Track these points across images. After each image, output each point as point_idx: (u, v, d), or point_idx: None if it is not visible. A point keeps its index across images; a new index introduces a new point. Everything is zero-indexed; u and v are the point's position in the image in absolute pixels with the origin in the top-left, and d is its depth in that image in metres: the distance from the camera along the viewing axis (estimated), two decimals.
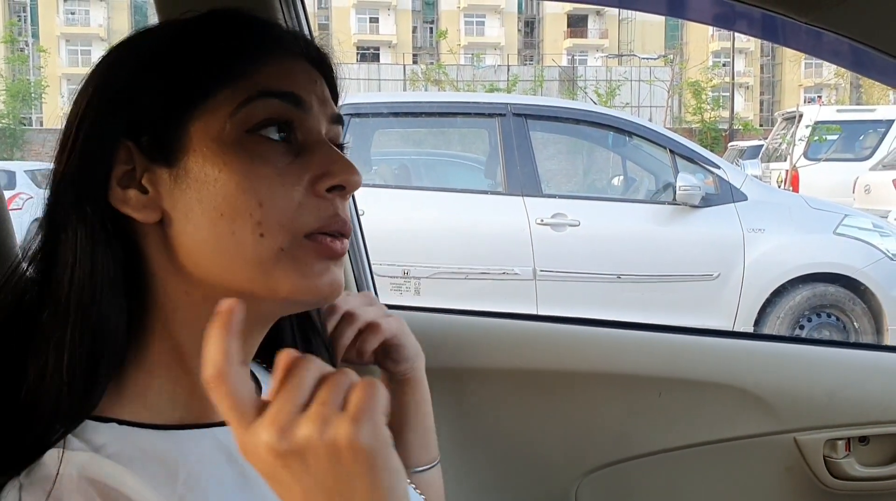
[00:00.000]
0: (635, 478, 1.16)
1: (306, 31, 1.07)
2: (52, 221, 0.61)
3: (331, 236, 0.63)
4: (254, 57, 0.64)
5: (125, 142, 0.61)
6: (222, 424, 0.62)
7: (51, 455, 0.55)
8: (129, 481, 0.56)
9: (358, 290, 1.14)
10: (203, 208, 0.60)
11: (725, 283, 4.45)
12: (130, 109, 0.61)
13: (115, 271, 0.60)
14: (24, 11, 32.80)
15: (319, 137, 0.65)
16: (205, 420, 0.63)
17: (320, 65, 0.69)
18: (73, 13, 34.72)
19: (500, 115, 4.66)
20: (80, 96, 0.63)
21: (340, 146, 0.68)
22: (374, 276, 1.26)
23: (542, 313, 3.79)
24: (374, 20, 36.94)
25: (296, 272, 0.61)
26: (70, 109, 0.64)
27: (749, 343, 1.23)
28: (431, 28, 37.63)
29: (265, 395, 0.52)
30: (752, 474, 1.14)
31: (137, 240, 0.62)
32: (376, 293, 1.20)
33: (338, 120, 0.68)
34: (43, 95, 19.12)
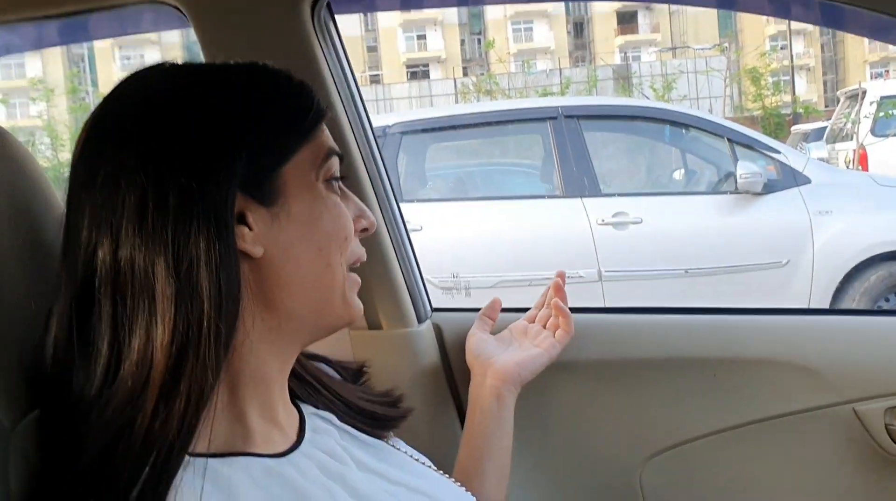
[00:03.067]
0: (696, 459, 1.17)
1: (341, 55, 1.13)
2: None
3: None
4: (316, 119, 0.76)
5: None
6: (272, 455, 0.68)
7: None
8: None
9: (410, 298, 1.19)
10: (305, 245, 0.71)
11: (795, 269, 4.35)
12: (239, 161, 0.68)
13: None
14: (83, 61, 34.15)
15: (344, 186, 0.78)
16: (248, 450, 0.67)
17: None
18: (128, 58, 35.97)
19: (552, 118, 4.66)
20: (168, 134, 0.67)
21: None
22: (427, 285, 1.30)
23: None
24: (422, 37, 37.24)
25: (345, 302, 0.75)
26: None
27: (801, 318, 1.23)
28: (479, 39, 37.73)
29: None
30: (812, 447, 1.14)
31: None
32: (429, 300, 1.24)
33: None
34: None
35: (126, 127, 0.68)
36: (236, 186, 0.66)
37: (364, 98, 1.19)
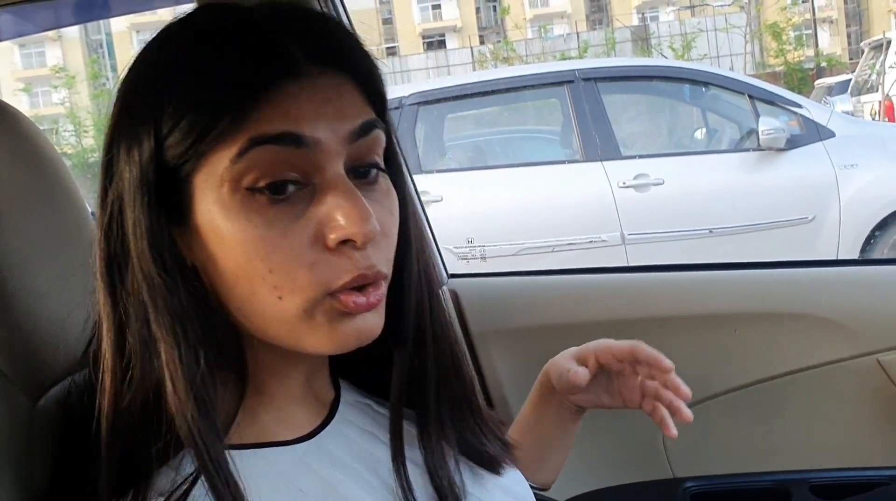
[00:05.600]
0: (720, 416, 1.17)
1: (345, 19, 1.11)
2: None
3: (357, 290, 0.58)
4: (247, 94, 0.56)
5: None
6: (299, 439, 0.63)
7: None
8: None
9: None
10: (221, 268, 0.58)
11: (822, 224, 4.29)
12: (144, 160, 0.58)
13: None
14: (101, 47, 34.29)
15: (333, 174, 0.58)
16: (281, 438, 0.63)
17: (344, 63, 0.61)
18: (146, 42, 36.05)
19: (569, 82, 4.60)
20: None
21: (369, 164, 0.61)
22: (445, 253, 1.30)
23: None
24: (437, 7, 36.88)
25: (320, 331, 0.59)
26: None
27: (821, 270, 1.22)
28: (494, 6, 37.32)
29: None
30: (837, 399, 1.14)
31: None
32: (445, 268, 1.24)
33: (369, 128, 0.60)
34: None
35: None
36: (152, 194, 0.57)
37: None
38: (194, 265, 0.59)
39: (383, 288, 0.61)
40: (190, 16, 0.62)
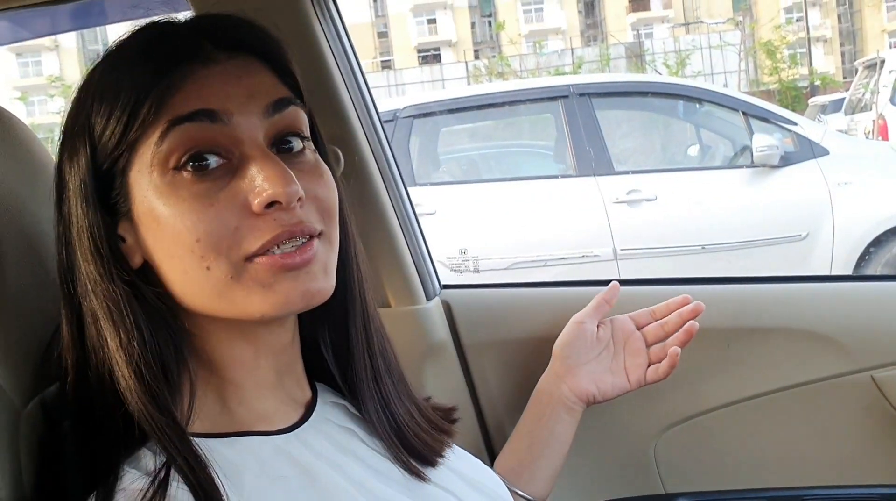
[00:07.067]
0: (711, 431, 1.16)
1: (342, 32, 1.11)
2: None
3: (283, 246, 0.61)
4: (162, 81, 0.61)
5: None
6: (279, 431, 0.65)
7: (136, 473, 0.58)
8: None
9: (418, 275, 1.18)
10: (160, 252, 0.62)
11: (816, 241, 4.30)
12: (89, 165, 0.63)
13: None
14: (98, 57, 34.35)
15: (252, 145, 0.62)
16: (260, 428, 0.65)
17: (253, 48, 0.66)
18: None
19: (564, 97, 4.62)
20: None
21: (290, 135, 0.65)
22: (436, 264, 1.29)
23: None
24: (432, 21, 37.07)
25: (256, 294, 0.61)
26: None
27: (816, 286, 1.21)
28: (490, 21, 37.52)
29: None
30: (830, 416, 1.13)
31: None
32: (438, 279, 1.23)
33: (284, 104, 0.65)
34: None
35: None
36: (94, 198, 0.62)
37: (374, 84, 1.17)
38: (144, 258, 0.63)
39: (316, 245, 0.63)
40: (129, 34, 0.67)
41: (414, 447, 0.73)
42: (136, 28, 0.66)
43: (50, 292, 0.68)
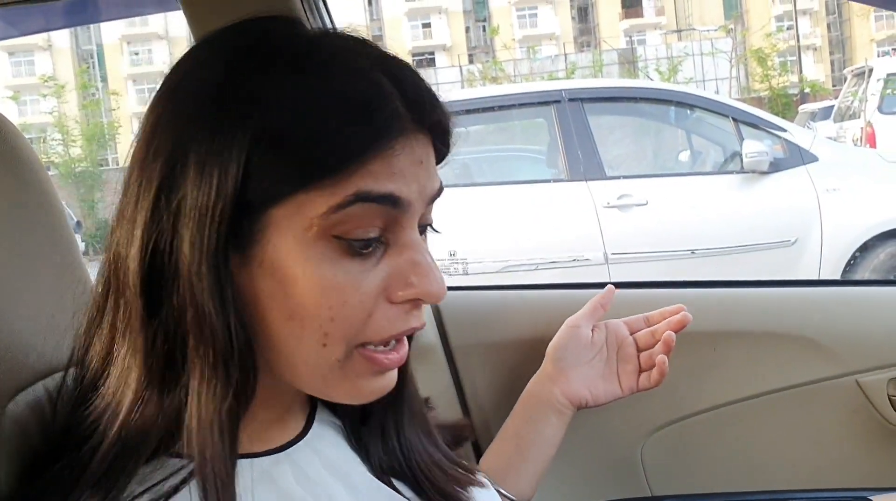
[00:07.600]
0: (698, 434, 1.16)
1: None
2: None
3: (387, 345, 0.58)
4: (358, 149, 0.54)
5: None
6: (268, 452, 0.61)
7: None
8: None
9: None
10: (276, 310, 0.55)
11: (804, 247, 4.33)
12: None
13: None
14: (92, 58, 34.27)
15: (410, 233, 0.58)
16: (251, 449, 0.61)
17: (432, 124, 0.60)
18: (136, 54, 36.10)
19: (556, 101, 4.63)
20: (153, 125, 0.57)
21: (426, 226, 0.62)
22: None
23: None
24: (427, 25, 37.13)
25: (347, 383, 0.58)
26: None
27: (802, 290, 1.22)
28: (484, 26, 37.60)
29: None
30: (815, 420, 1.13)
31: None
32: None
33: (437, 196, 0.61)
34: (116, 136, 19.93)
35: None
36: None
37: None
38: (246, 298, 0.56)
39: (406, 344, 0.61)
40: (292, 33, 0.59)
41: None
42: (350, 68, 0.57)
43: (34, 291, 0.68)
